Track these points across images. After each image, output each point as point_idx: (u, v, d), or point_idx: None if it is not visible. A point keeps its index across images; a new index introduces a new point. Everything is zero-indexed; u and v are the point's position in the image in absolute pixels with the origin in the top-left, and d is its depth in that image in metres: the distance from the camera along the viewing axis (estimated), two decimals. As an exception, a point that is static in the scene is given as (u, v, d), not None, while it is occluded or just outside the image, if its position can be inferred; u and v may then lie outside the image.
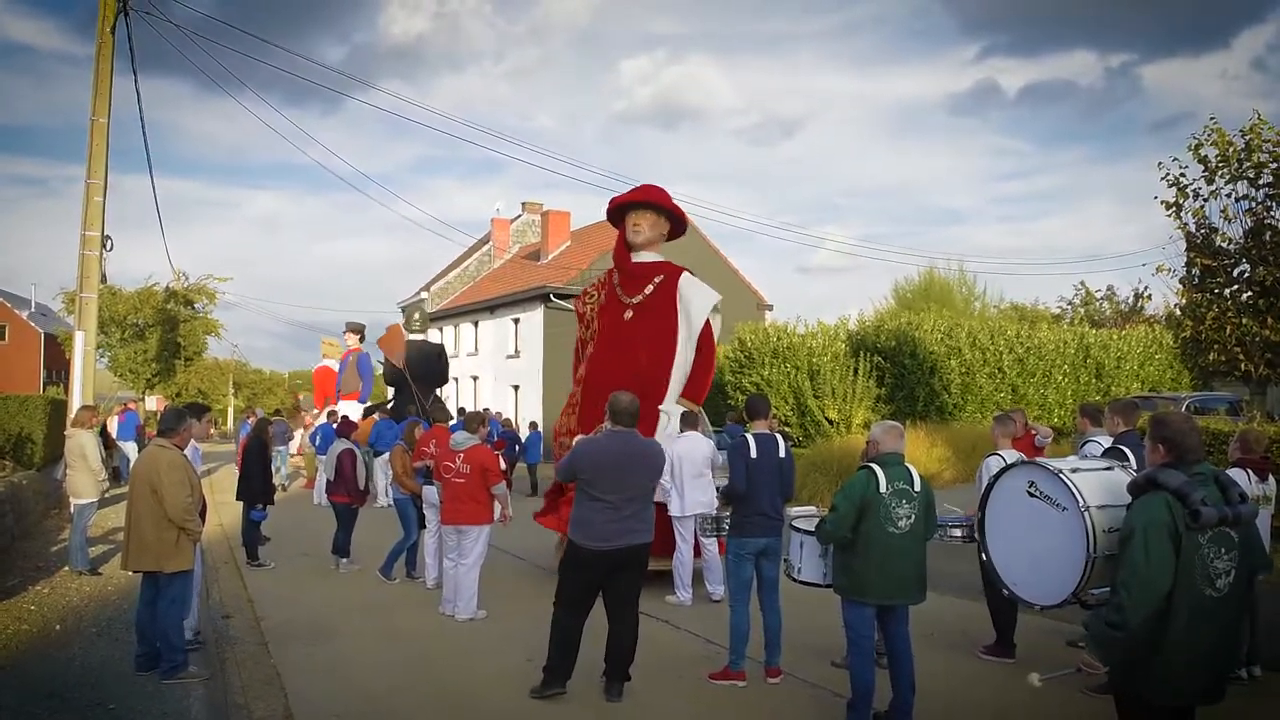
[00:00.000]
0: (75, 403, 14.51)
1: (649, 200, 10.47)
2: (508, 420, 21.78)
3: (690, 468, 8.64)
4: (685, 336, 10.08)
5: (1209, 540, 3.51)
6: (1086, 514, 3.97)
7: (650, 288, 10.20)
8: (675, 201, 10.70)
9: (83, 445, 10.61)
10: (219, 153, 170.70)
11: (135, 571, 6.79)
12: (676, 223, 10.69)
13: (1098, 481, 4.15)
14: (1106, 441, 6.76)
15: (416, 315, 21.94)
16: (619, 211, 10.54)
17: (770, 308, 35.74)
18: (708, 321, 10.17)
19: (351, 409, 20.08)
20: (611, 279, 10.55)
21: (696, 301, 10.17)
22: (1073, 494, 4.06)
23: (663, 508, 8.65)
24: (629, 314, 10.15)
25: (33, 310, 55.63)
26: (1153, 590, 3.45)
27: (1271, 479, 6.79)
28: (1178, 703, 3.63)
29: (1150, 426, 3.88)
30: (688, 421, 9.10)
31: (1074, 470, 4.23)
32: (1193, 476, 3.58)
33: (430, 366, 20.84)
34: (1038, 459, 4.82)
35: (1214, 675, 3.64)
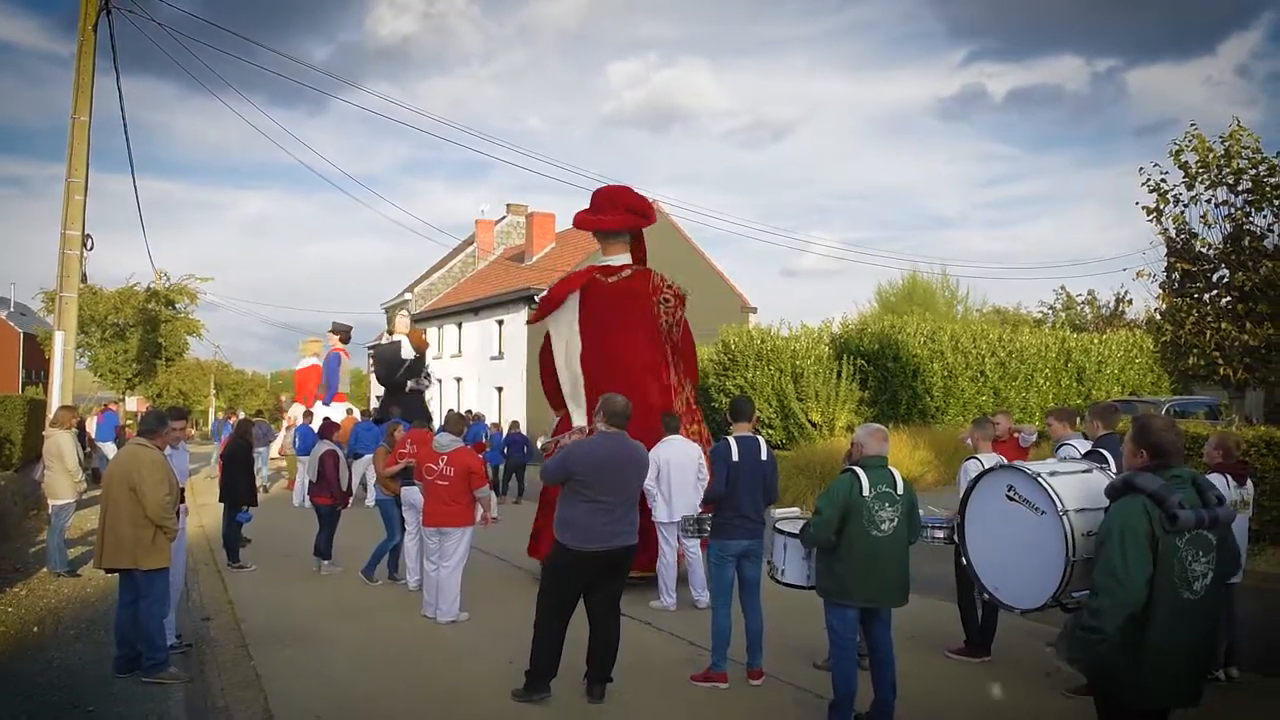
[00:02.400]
0: (54, 403, 14.37)
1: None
2: (515, 423, 21.65)
3: (678, 473, 8.62)
4: None
5: (1187, 543, 3.53)
6: (1065, 518, 3.98)
7: None
8: (591, 212, 10.75)
9: (60, 446, 10.52)
10: (204, 153, 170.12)
11: (109, 570, 6.75)
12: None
13: (1076, 485, 4.16)
14: (1081, 443, 6.81)
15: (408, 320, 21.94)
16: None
17: (754, 310, 35.83)
18: None
19: (335, 411, 19.97)
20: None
21: None
22: (1051, 498, 4.07)
23: (645, 513, 8.66)
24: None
25: (11, 310, 55.13)
26: (1128, 594, 3.47)
27: (1249, 483, 6.84)
28: (1158, 705, 3.65)
29: (1133, 430, 3.88)
30: (670, 426, 9.08)
31: (1052, 474, 4.24)
32: (1170, 480, 3.59)
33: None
34: (1016, 462, 4.84)
35: (1193, 677, 3.65)
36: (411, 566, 9.71)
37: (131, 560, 6.47)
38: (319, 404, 20.59)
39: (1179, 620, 3.52)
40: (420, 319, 37.32)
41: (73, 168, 14.94)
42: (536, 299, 30.02)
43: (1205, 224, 14.98)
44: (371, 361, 21.06)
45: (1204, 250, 15.14)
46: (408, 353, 19.20)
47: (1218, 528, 3.61)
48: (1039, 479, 4.17)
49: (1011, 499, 4.32)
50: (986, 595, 4.59)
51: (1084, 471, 4.42)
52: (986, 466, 5.50)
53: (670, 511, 8.55)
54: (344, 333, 21.83)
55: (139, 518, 6.43)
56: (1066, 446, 6.89)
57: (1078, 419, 7.53)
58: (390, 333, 21.20)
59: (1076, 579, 3.95)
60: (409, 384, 18.69)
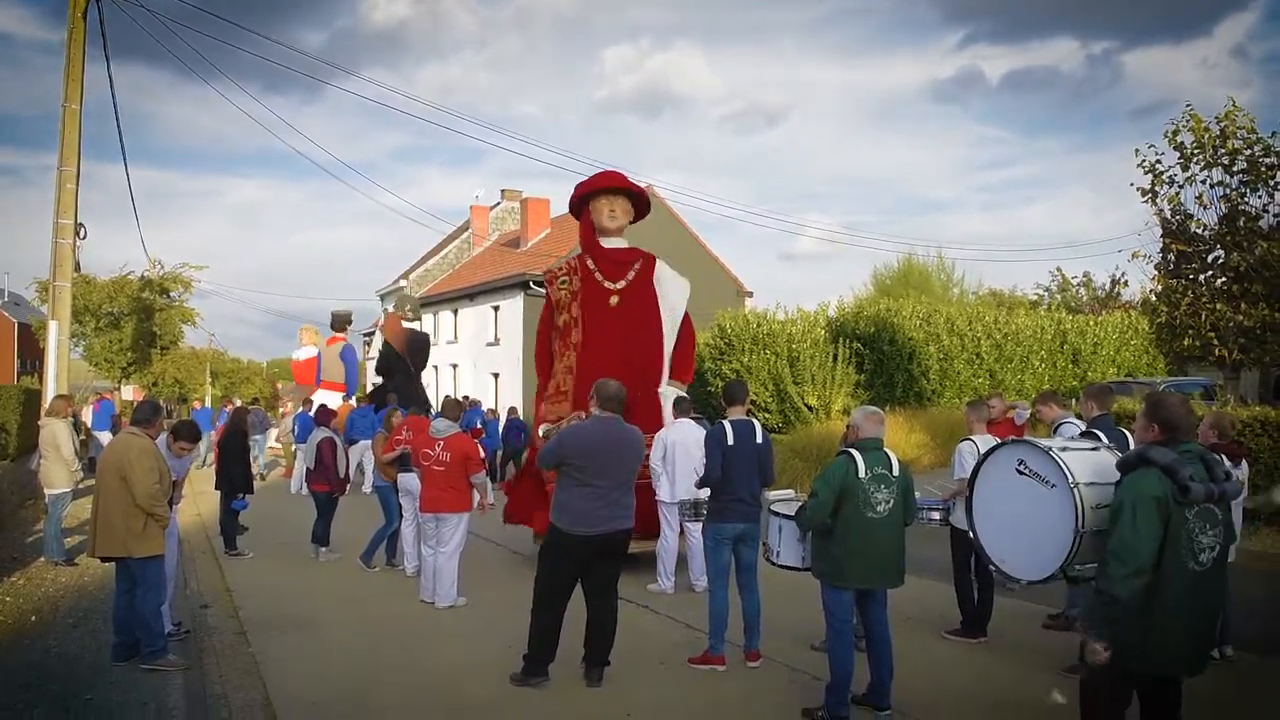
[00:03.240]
0: (50, 392, 14.35)
1: (625, 187, 10.62)
2: (513, 408, 21.66)
3: (683, 455, 8.63)
4: (670, 322, 10.42)
5: (1196, 515, 3.63)
6: (1076, 490, 4.05)
7: (632, 274, 10.31)
8: (639, 185, 10.91)
9: (56, 435, 10.49)
10: (198, 141, 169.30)
11: (103, 559, 6.75)
12: (639, 209, 10.86)
13: (1086, 460, 4.24)
14: (1079, 424, 6.83)
15: (409, 306, 21.84)
16: (582, 199, 10.59)
17: (750, 295, 35.80)
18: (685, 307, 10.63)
19: (331, 398, 19.94)
20: (585, 264, 10.39)
21: (674, 288, 10.54)
22: (1062, 471, 4.13)
23: (648, 491, 8.67)
24: (615, 300, 10.18)
25: (6, 299, 55.04)
26: (1141, 560, 3.56)
27: (1244, 463, 6.86)
28: (1168, 673, 3.75)
29: (1145, 406, 3.98)
30: (680, 408, 9.12)
31: (1063, 449, 4.32)
32: (1181, 454, 3.68)
33: (424, 355, 20.88)
34: (1028, 437, 4.87)
35: (1197, 646, 3.75)
36: (409, 553, 9.71)
37: (124, 549, 6.48)
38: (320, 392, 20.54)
39: (1186, 590, 3.63)
40: (416, 306, 37.19)
41: (64, 156, 14.90)
42: (532, 284, 30.12)
43: (1200, 205, 14.98)
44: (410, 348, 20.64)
45: (1199, 231, 15.14)
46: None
47: (1224, 502, 3.70)
48: (1050, 453, 4.24)
49: (1022, 473, 4.39)
50: (992, 568, 4.64)
51: (1092, 449, 4.49)
52: (981, 448, 5.51)
53: (673, 492, 8.59)
54: (336, 320, 21.69)
55: (130, 506, 6.42)
56: (1066, 425, 6.90)
57: (1073, 400, 7.55)
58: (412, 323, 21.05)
59: (1084, 550, 4.03)
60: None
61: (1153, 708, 3.82)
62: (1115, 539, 3.63)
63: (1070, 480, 4.07)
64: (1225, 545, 3.73)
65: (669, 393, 9.84)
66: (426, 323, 38.29)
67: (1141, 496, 3.61)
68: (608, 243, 10.50)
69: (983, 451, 4.96)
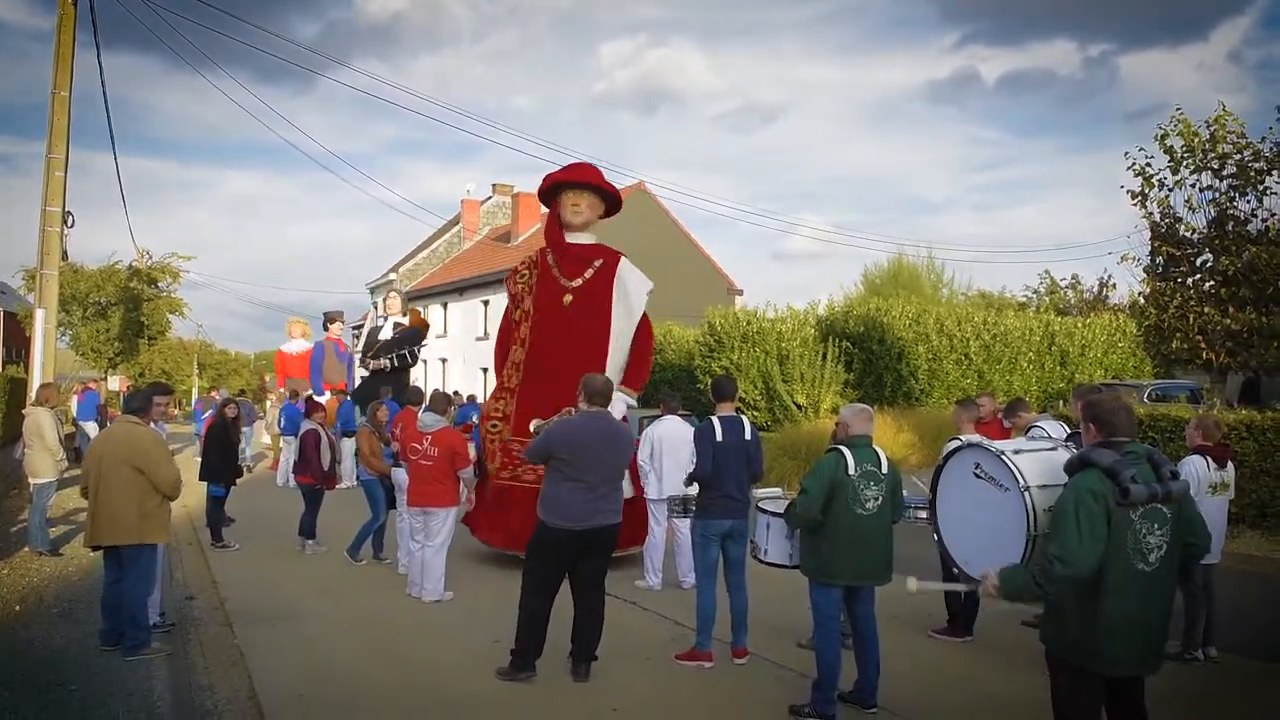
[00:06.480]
0: (36, 381, 14.27)
1: (589, 181, 10.25)
2: None
3: (670, 452, 8.63)
4: (624, 323, 10.01)
5: (1140, 516, 3.64)
6: (1026, 494, 4.07)
7: (590, 271, 10.00)
8: (610, 181, 10.51)
9: (41, 424, 10.43)
10: (188, 131, 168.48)
11: (96, 547, 6.76)
12: (612, 203, 10.54)
13: (1039, 462, 4.24)
14: (1051, 425, 6.92)
15: (399, 300, 21.70)
16: (553, 190, 10.26)
17: (740, 293, 35.82)
18: (645, 310, 10.21)
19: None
20: (545, 258, 10.19)
21: (635, 288, 10.13)
22: (1014, 474, 4.15)
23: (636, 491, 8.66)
24: (568, 298, 9.91)
25: (-8, 287, 54.60)
26: (1082, 566, 3.57)
27: (1230, 465, 6.90)
28: (1115, 672, 3.73)
29: (1082, 408, 4.02)
30: (668, 406, 9.08)
31: (1016, 452, 4.32)
32: (1124, 455, 3.68)
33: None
34: (983, 440, 4.90)
35: (1147, 646, 3.75)
36: (406, 548, 9.61)
37: (138, 536, 6.57)
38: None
39: (1133, 590, 3.64)
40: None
41: (53, 144, 14.81)
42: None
43: (1190, 208, 15.06)
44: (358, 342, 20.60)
45: (1188, 235, 15.22)
46: (385, 334, 19.07)
47: (1171, 502, 3.70)
48: (1003, 456, 4.25)
49: (978, 476, 4.41)
50: (956, 570, 4.67)
51: (1049, 450, 4.49)
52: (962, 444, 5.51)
53: (661, 489, 8.57)
54: (328, 318, 21.53)
55: (145, 493, 6.55)
56: (1035, 428, 7.01)
57: (1061, 402, 7.64)
58: (384, 313, 20.90)
59: (1038, 553, 4.04)
60: (371, 363, 18.56)
61: (1115, 707, 3.84)
62: (1058, 543, 3.63)
63: (1021, 484, 4.09)
64: (1176, 545, 3.71)
65: (617, 400, 9.06)
66: (416, 316, 38.16)
67: (1083, 499, 3.62)
68: (572, 238, 10.24)
69: (945, 453, 4.97)
